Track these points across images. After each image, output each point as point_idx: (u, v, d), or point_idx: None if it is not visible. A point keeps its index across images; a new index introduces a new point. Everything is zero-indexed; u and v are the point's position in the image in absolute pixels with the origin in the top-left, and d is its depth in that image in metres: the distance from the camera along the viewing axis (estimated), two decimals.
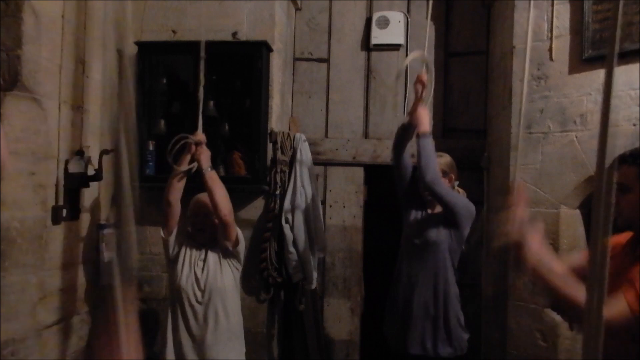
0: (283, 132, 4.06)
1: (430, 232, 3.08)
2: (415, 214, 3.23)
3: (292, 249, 3.92)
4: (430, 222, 3.13)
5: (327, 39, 4.64)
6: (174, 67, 4.16)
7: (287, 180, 4.03)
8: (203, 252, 3.16)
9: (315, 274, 4.07)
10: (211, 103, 3.91)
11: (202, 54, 3.13)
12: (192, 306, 3.08)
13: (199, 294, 3.10)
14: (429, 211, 3.21)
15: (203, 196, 3.17)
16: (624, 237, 2.07)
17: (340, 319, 4.40)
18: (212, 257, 3.17)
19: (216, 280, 3.12)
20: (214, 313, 3.10)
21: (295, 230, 3.94)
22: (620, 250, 2.01)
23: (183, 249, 3.15)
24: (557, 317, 3.33)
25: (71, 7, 3.31)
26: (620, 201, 1.91)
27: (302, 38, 4.67)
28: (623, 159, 1.97)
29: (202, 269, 3.12)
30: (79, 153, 3.36)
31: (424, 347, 3.03)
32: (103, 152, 3.64)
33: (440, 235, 3.06)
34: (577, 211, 3.36)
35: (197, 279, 3.10)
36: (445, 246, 3.05)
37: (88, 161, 3.43)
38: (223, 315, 3.12)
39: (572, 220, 3.35)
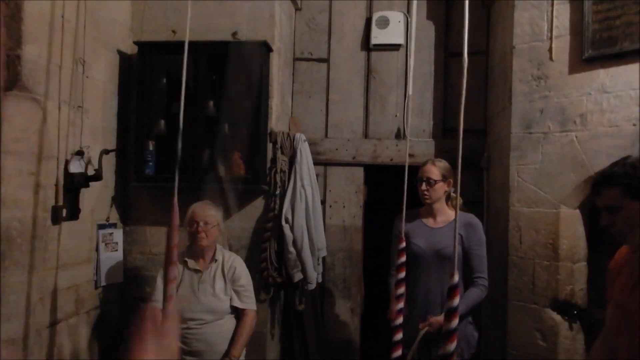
0: (283, 132, 4.06)
1: (439, 244, 3.11)
2: (416, 228, 3.25)
3: (292, 249, 3.91)
4: (438, 235, 3.15)
5: (327, 39, 4.63)
6: (174, 67, 4.15)
7: (287, 180, 4.03)
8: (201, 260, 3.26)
9: (315, 274, 4.07)
10: (211, 103, 3.91)
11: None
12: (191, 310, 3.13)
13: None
14: (432, 224, 3.22)
15: (200, 204, 3.23)
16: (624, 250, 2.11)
17: (340, 319, 4.40)
18: (213, 265, 3.25)
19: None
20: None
21: (295, 230, 3.93)
22: (625, 264, 2.05)
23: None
24: (557, 317, 3.34)
25: (71, 7, 3.31)
26: (614, 221, 1.96)
27: (302, 38, 4.67)
28: (602, 182, 2.01)
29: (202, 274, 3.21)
30: (79, 153, 3.36)
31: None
32: (103, 152, 3.64)
33: (450, 245, 3.08)
34: (577, 211, 3.36)
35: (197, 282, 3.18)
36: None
37: (88, 161, 3.44)
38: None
39: (572, 220, 3.35)
